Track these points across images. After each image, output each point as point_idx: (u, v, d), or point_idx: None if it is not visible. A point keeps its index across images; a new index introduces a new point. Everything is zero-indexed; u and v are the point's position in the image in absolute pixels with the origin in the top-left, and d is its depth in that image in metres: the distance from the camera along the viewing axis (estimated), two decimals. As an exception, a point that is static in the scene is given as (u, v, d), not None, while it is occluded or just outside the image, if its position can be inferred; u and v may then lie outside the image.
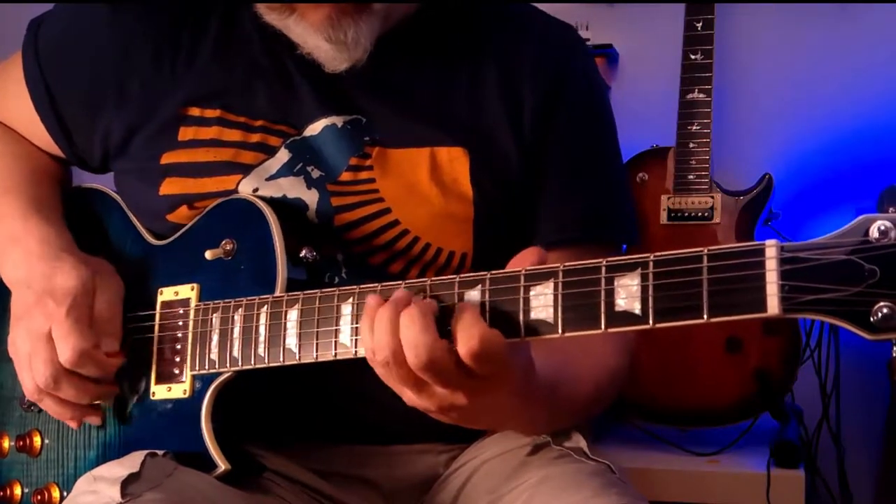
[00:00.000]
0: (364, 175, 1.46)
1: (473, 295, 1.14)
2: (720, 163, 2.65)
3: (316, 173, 1.46)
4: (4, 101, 1.64)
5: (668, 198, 2.53)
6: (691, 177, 2.52)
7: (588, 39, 2.73)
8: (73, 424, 1.49)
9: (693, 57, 2.55)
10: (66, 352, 1.37)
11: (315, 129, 1.48)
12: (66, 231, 1.53)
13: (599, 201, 1.55)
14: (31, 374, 1.41)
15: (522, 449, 1.43)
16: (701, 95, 2.53)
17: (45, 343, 1.39)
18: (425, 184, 1.45)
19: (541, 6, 1.60)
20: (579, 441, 1.43)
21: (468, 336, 1.10)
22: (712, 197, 2.51)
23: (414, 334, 1.11)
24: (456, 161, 1.47)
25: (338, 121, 1.48)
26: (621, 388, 1.52)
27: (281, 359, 1.28)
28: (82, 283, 1.41)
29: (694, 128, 2.53)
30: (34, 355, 1.40)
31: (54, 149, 1.61)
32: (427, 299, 1.16)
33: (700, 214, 2.51)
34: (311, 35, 1.41)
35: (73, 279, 1.41)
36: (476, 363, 1.11)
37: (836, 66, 2.77)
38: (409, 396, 1.18)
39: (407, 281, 1.19)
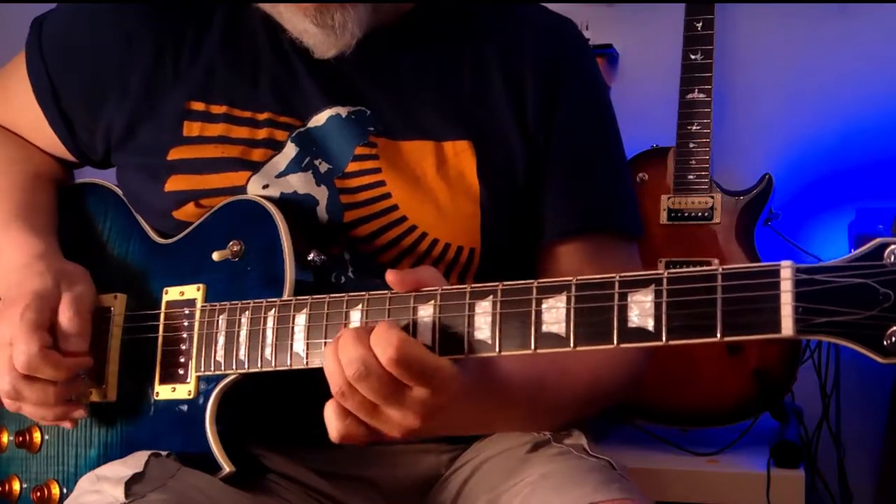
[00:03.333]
0: (370, 165, 1.47)
1: (485, 305, 1.14)
2: (720, 163, 2.65)
3: (324, 167, 1.46)
4: (8, 102, 1.65)
5: (668, 198, 2.53)
6: (691, 177, 2.52)
7: (588, 39, 2.72)
8: (65, 424, 1.47)
9: (693, 57, 2.55)
10: (18, 357, 1.36)
11: (320, 119, 1.48)
12: (47, 235, 1.54)
13: (605, 190, 1.56)
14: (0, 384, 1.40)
15: (523, 447, 1.44)
16: (701, 95, 2.53)
17: (5, 352, 1.38)
18: (432, 178, 1.46)
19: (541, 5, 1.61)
20: (580, 438, 1.44)
21: (385, 344, 1.13)
22: (712, 197, 2.50)
23: (346, 351, 1.15)
24: (462, 155, 1.47)
25: (342, 111, 1.49)
26: (636, 376, 1.53)
27: (289, 362, 1.29)
28: (43, 286, 1.41)
29: (694, 128, 2.53)
30: (1, 366, 1.39)
31: (57, 147, 1.62)
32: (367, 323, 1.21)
33: (700, 214, 2.51)
34: (299, 19, 1.42)
35: (32, 284, 1.41)
36: (398, 369, 1.13)
37: (836, 66, 2.76)
38: (373, 429, 1.21)
39: (417, 291, 1.19)
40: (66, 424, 1.47)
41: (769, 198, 2.50)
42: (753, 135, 2.81)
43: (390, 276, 1.21)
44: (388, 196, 1.45)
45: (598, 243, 1.52)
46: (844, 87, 2.75)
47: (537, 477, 1.35)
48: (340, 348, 1.16)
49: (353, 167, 1.47)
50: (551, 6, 1.61)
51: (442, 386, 1.16)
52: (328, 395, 1.31)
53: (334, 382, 1.17)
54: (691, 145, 2.52)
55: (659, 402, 2.45)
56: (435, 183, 1.46)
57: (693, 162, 2.52)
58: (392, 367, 1.13)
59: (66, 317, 1.41)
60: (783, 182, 2.67)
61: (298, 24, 1.43)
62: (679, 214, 2.52)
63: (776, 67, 2.81)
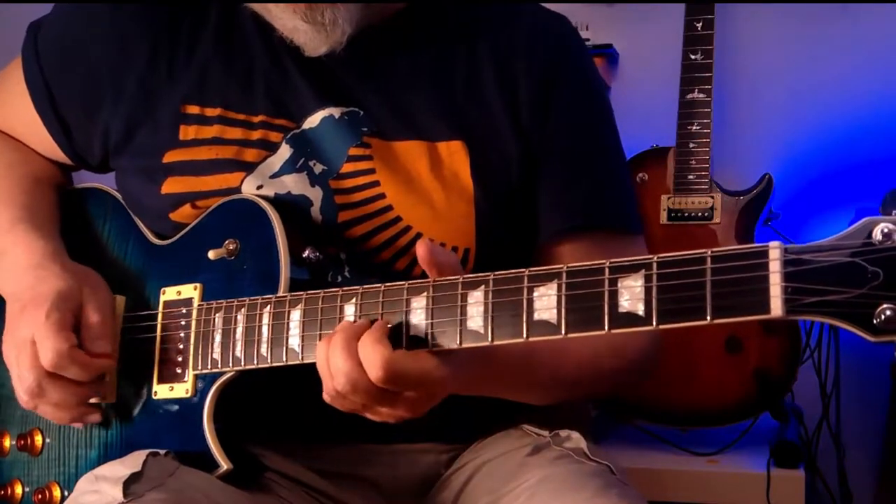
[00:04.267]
0: (364, 165, 1.46)
1: (477, 295, 1.15)
2: (720, 163, 2.65)
3: (318, 168, 1.46)
4: (5, 106, 1.65)
5: (668, 198, 2.53)
6: (691, 177, 2.52)
7: (588, 39, 2.73)
8: (77, 425, 1.48)
9: (693, 57, 2.55)
10: (46, 354, 1.36)
11: (313, 121, 1.48)
12: (54, 238, 1.53)
13: (601, 187, 1.55)
14: (20, 382, 1.40)
15: (523, 449, 1.43)
16: (701, 95, 2.53)
17: (28, 349, 1.38)
18: (426, 178, 1.46)
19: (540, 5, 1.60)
20: (580, 442, 1.44)
21: (370, 366, 1.15)
22: (712, 197, 2.51)
23: (334, 362, 1.17)
24: (455, 155, 1.47)
25: (335, 112, 1.48)
26: (644, 363, 1.52)
27: (284, 358, 1.29)
28: (66, 287, 1.41)
29: (694, 128, 2.53)
30: (20, 364, 1.39)
31: (55, 151, 1.62)
32: (356, 322, 1.21)
33: (700, 214, 2.51)
34: (289, 16, 1.41)
35: (53, 285, 1.41)
36: (388, 385, 1.15)
37: (837, 65, 2.77)
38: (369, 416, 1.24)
39: (410, 281, 1.20)
40: (78, 425, 1.48)
41: (769, 198, 2.51)
42: (753, 135, 2.81)
43: (423, 246, 1.20)
44: (382, 196, 1.45)
45: (596, 241, 1.51)
46: (845, 86, 2.76)
47: (536, 481, 1.34)
48: (330, 357, 1.18)
49: (347, 168, 1.47)
50: (549, 6, 1.60)
51: (433, 388, 1.18)
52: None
53: (325, 386, 1.20)
54: (691, 145, 2.53)
55: (659, 402, 2.45)
56: (429, 183, 1.46)
57: (693, 162, 2.52)
58: (381, 383, 1.15)
59: (94, 319, 1.42)
60: (783, 182, 2.67)
61: (289, 22, 1.42)
62: (679, 214, 2.52)
63: (776, 67, 2.82)
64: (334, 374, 1.16)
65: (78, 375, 1.39)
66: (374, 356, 1.14)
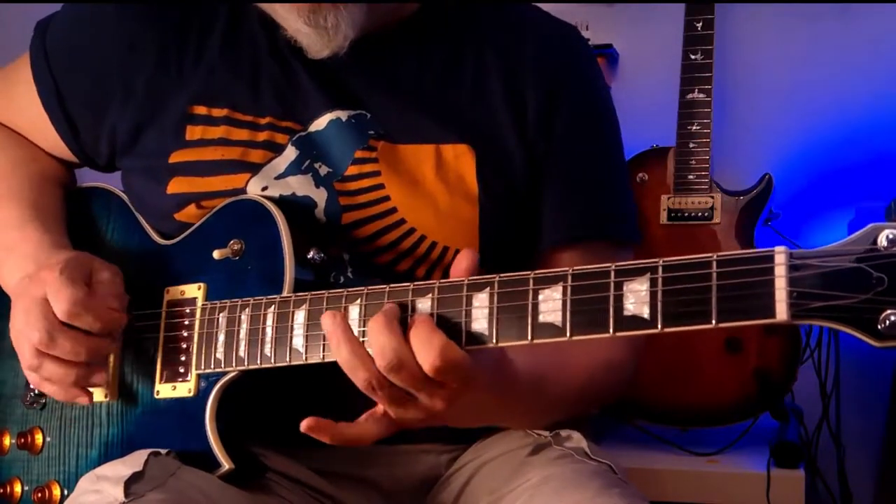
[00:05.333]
0: (369, 168, 1.46)
1: (482, 297, 1.15)
2: (720, 163, 2.65)
3: (323, 170, 1.46)
4: (11, 103, 1.65)
5: (668, 198, 2.53)
6: (691, 177, 2.52)
7: (588, 39, 2.72)
8: (82, 400, 1.42)
9: (693, 57, 2.55)
10: (60, 303, 1.33)
11: (320, 124, 1.48)
12: (63, 236, 1.54)
13: (602, 200, 1.56)
14: (28, 340, 1.36)
15: (523, 449, 1.44)
16: (701, 95, 2.53)
17: (39, 305, 1.35)
18: (431, 181, 1.46)
19: (541, 6, 1.61)
20: (581, 441, 1.44)
21: (427, 349, 1.12)
22: (712, 197, 2.51)
23: (376, 336, 1.14)
24: (461, 158, 1.47)
25: (342, 115, 1.48)
26: (626, 380, 1.52)
27: (288, 359, 1.29)
28: (76, 254, 1.41)
29: (694, 128, 2.53)
30: (28, 320, 1.36)
31: (60, 149, 1.62)
32: (391, 304, 1.18)
33: (700, 214, 2.51)
34: (293, 18, 1.42)
35: (63, 255, 1.41)
36: (441, 375, 1.13)
37: (837, 65, 2.76)
38: (397, 412, 1.21)
39: (415, 283, 1.19)
40: (83, 399, 1.42)
41: (769, 198, 2.51)
42: (753, 135, 2.81)
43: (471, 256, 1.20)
44: (387, 199, 1.45)
45: (596, 251, 1.51)
46: (845, 86, 2.75)
47: (537, 481, 1.35)
48: (371, 337, 1.14)
49: (352, 170, 1.47)
50: (551, 7, 1.60)
51: (471, 380, 1.16)
52: (328, 393, 1.31)
53: (361, 375, 1.16)
54: (691, 145, 2.53)
55: (659, 402, 2.45)
56: (434, 186, 1.46)
57: (693, 162, 2.52)
58: (433, 372, 1.12)
59: (105, 278, 1.40)
60: (783, 182, 2.67)
61: (293, 23, 1.42)
62: (679, 214, 2.52)
63: (776, 67, 2.81)
64: (378, 352, 1.13)
65: (92, 325, 1.36)
66: (429, 339, 1.12)
